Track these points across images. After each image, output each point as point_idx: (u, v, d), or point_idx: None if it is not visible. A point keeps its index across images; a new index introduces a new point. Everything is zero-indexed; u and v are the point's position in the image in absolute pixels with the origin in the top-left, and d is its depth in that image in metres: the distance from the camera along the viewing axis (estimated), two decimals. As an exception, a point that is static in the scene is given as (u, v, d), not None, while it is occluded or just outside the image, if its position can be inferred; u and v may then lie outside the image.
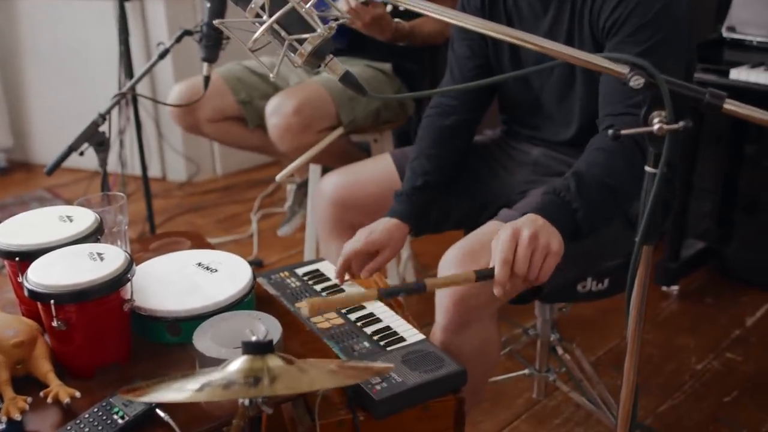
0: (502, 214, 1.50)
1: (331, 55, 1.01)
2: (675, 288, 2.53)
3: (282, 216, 3.15)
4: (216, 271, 1.33)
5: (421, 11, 1.03)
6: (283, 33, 0.98)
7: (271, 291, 1.50)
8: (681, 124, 0.87)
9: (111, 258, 1.15)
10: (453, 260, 1.38)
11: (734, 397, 2.05)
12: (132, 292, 1.18)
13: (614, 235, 1.49)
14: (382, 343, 1.33)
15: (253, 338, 0.93)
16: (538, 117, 1.61)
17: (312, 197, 2.26)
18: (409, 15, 2.04)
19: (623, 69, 0.91)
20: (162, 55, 1.94)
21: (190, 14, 3.40)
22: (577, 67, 1.47)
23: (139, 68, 2.63)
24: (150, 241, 1.61)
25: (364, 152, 2.27)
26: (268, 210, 3.26)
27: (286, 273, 1.58)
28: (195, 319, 1.20)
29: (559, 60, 0.95)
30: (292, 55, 1.00)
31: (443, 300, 1.40)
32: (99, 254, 1.16)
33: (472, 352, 1.43)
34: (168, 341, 1.23)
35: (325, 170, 2.23)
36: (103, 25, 3.37)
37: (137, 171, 3.58)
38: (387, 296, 1.17)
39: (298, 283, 1.53)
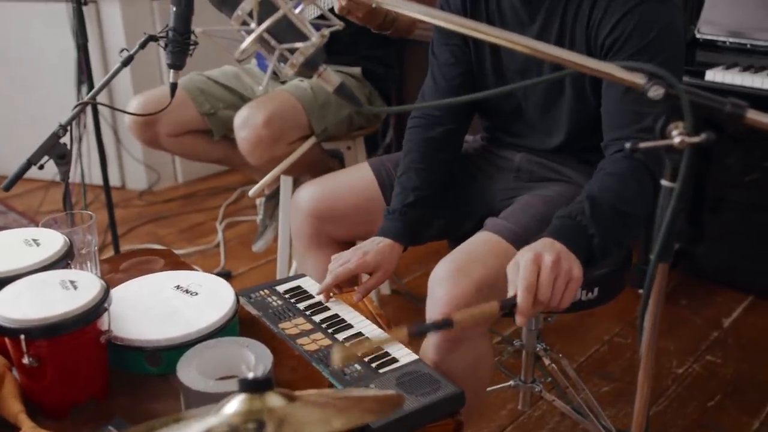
0: (488, 223, 1.44)
1: (325, 65, 0.94)
2: (651, 290, 2.51)
3: (249, 225, 3.07)
4: (196, 294, 1.25)
5: (405, 12, 0.95)
6: (273, 42, 0.91)
7: (253, 311, 1.42)
8: (703, 136, 0.83)
9: (85, 286, 1.06)
10: (444, 276, 1.32)
11: (717, 401, 2.04)
12: (109, 323, 1.09)
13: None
14: (374, 365, 1.26)
15: (250, 375, 0.85)
16: (520, 125, 1.56)
17: (287, 210, 2.18)
18: None
19: (640, 79, 0.86)
20: (126, 62, 1.83)
21: (148, 19, 3.28)
22: (566, 81, 1.43)
23: (96, 75, 2.52)
24: (119, 261, 1.52)
25: (337, 160, 2.20)
26: (233, 218, 3.17)
27: (267, 291, 1.50)
28: (176, 349, 1.12)
29: (569, 70, 0.90)
30: (282, 65, 0.93)
31: (434, 318, 1.34)
32: (71, 282, 1.07)
33: (465, 370, 1.37)
34: (148, 372, 1.15)
35: (296, 181, 2.16)
36: (55, 30, 3.23)
37: (94, 180, 3.47)
38: (417, 335, 1.10)
39: (280, 302, 1.46)
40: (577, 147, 1.51)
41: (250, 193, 1.86)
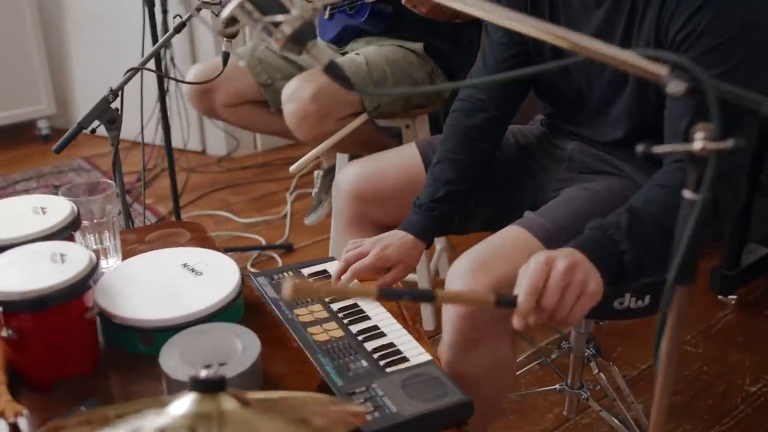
0: (524, 217, 1.33)
1: (314, 41, 0.86)
2: (733, 297, 2.31)
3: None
4: (201, 274, 1.20)
5: (462, 8, 0.85)
6: (255, 14, 0.83)
7: (270, 294, 1.37)
8: (730, 142, 0.70)
9: (73, 260, 1.03)
10: (463, 270, 1.22)
11: (791, 427, 1.85)
12: (94, 300, 1.06)
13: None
14: (382, 362, 1.18)
15: (203, 373, 0.79)
16: (580, 113, 1.42)
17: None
18: None
19: (662, 70, 0.73)
20: (178, 29, 1.80)
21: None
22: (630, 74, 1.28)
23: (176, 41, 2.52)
24: (147, 231, 1.50)
25: (395, 139, 2.10)
26: (303, 190, 3.14)
27: (291, 273, 1.44)
28: (169, 330, 1.08)
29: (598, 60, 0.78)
30: (270, 39, 0.86)
31: (449, 314, 1.25)
32: (61, 255, 1.04)
33: (483, 372, 1.27)
34: (142, 352, 1.11)
35: (352, 158, 2.08)
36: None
37: (177, 143, 3.51)
38: (388, 297, 1.01)
39: (301, 286, 1.40)
40: (637, 144, 1.36)
41: (292, 168, 1.80)
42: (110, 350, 1.12)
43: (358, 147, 2.00)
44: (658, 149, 0.73)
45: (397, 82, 1.89)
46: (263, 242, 2.72)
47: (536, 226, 1.26)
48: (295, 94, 1.80)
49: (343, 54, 2.01)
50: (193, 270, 1.21)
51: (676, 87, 0.71)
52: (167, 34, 1.82)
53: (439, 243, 2.35)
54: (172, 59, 3.19)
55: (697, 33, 1.14)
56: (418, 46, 1.97)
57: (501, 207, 1.54)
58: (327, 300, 1.36)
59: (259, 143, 3.62)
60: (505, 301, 1.02)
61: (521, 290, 1.01)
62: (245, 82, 2.05)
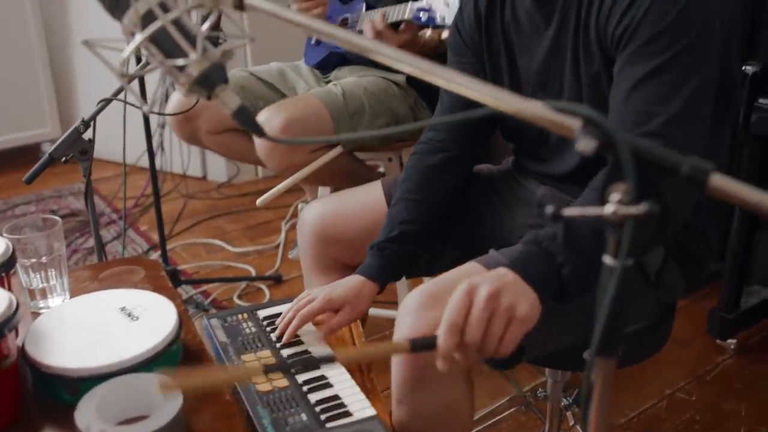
0: (486, 255, 1.26)
1: (225, 84, 0.81)
2: (732, 342, 2.21)
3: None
4: (137, 318, 1.15)
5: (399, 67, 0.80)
6: (159, 57, 0.79)
7: (221, 338, 1.32)
8: (642, 207, 0.63)
9: (-9, 306, 0.99)
10: (412, 306, 1.15)
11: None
12: (18, 346, 1.01)
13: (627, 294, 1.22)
14: (323, 417, 1.12)
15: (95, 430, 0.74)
16: (545, 149, 1.36)
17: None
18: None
19: (574, 123, 0.67)
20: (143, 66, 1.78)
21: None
22: (583, 87, 1.22)
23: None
24: (103, 268, 1.46)
25: (376, 173, 2.05)
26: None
27: (245, 315, 1.39)
28: (95, 379, 1.03)
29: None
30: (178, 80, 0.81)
31: (394, 358, 1.18)
32: (-20, 300, 1.00)
33: (433, 417, 1.20)
34: (67, 402, 1.06)
35: (335, 190, 2.04)
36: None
37: (177, 169, 3.51)
38: (278, 370, 0.95)
39: (254, 329, 1.35)
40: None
41: (259, 201, 1.76)
42: (38, 400, 1.08)
43: (336, 180, 1.95)
44: (568, 212, 0.67)
45: (374, 114, 1.84)
46: (253, 273, 2.67)
47: (493, 262, 1.19)
48: (267, 124, 1.76)
49: (327, 82, 1.97)
50: (130, 314, 1.16)
51: (585, 145, 0.64)
52: (141, 63, 1.79)
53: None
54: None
55: (636, 22, 1.09)
56: (401, 77, 1.93)
57: (469, 248, 1.47)
58: (278, 345, 1.30)
59: (260, 170, 3.59)
60: (422, 345, 0.96)
61: (441, 329, 0.95)
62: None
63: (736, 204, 0.63)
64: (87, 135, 1.81)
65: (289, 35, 2.11)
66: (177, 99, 2.06)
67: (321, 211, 1.53)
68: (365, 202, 1.52)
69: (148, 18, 0.77)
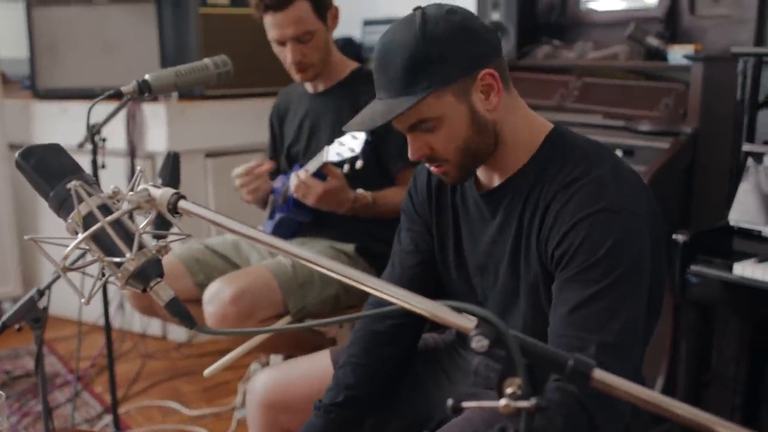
0: None
1: (159, 279, 0.87)
2: None
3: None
4: (71, 499, 1.15)
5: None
6: (99, 253, 0.85)
7: None
8: (533, 402, 0.69)
9: None
10: None
11: None
12: None
13: None
14: None
15: None
16: None
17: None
18: (378, 181, 1.92)
19: (470, 323, 0.73)
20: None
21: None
22: (521, 288, 1.30)
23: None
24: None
25: (329, 339, 2.10)
26: (258, 380, 3.08)
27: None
28: None
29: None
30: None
31: None
32: None
33: None
34: None
35: (288, 357, 2.07)
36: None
37: (136, 328, 3.51)
38: None
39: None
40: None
41: (206, 372, 1.78)
42: None
43: (287, 347, 1.99)
44: (467, 404, 0.72)
45: (324, 284, 1.91)
46: (206, 437, 2.63)
47: None
48: (215, 296, 1.82)
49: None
50: (64, 494, 1.16)
51: (478, 343, 0.71)
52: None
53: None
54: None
55: (572, 252, 1.17)
56: (350, 247, 2.01)
57: (413, 418, 1.50)
58: None
59: (222, 329, 3.60)
60: None
61: None
62: (182, 281, 2.07)
63: (620, 397, 0.69)
64: (42, 303, 1.84)
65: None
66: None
67: (268, 380, 1.57)
68: (313, 372, 1.56)
69: (89, 219, 0.85)
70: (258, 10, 1.94)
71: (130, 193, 0.86)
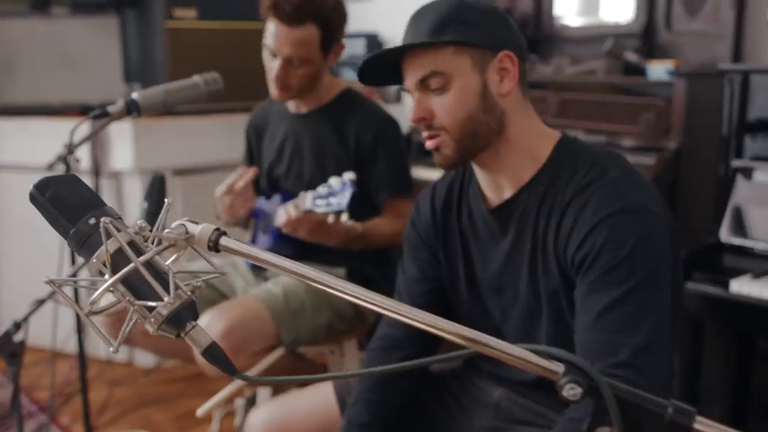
0: None
1: (194, 322, 0.80)
2: None
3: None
4: None
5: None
6: (128, 297, 0.77)
7: None
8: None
9: None
10: None
11: None
12: None
13: None
14: None
15: None
16: None
17: None
18: (363, 212, 1.86)
19: (557, 367, 0.68)
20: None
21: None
22: (542, 300, 1.26)
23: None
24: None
25: (319, 367, 2.02)
26: (233, 407, 2.97)
27: None
28: None
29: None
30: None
31: None
32: None
33: None
34: None
35: (277, 390, 1.98)
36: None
37: (101, 353, 3.37)
38: None
39: None
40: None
41: (199, 412, 1.69)
42: None
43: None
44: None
45: (316, 311, 1.84)
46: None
47: None
48: (207, 331, 1.72)
49: (266, 278, 1.96)
50: None
51: (571, 392, 0.65)
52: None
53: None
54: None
55: (594, 253, 1.14)
56: (341, 272, 1.94)
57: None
58: None
59: (191, 353, 3.48)
60: None
61: None
62: (164, 308, 1.97)
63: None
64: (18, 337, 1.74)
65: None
66: (106, 301, 2.00)
67: (269, 416, 1.49)
68: (316, 407, 1.49)
69: (118, 258, 0.76)
70: (268, 10, 1.84)
71: (166, 230, 0.78)
